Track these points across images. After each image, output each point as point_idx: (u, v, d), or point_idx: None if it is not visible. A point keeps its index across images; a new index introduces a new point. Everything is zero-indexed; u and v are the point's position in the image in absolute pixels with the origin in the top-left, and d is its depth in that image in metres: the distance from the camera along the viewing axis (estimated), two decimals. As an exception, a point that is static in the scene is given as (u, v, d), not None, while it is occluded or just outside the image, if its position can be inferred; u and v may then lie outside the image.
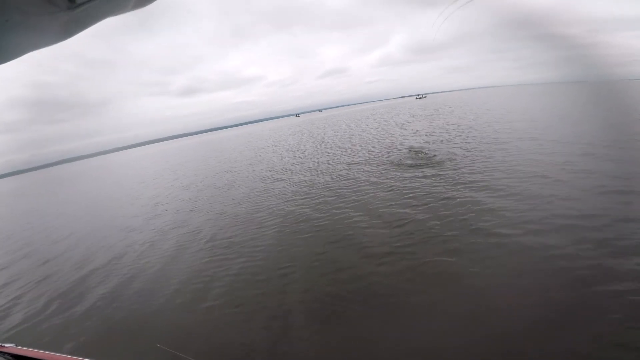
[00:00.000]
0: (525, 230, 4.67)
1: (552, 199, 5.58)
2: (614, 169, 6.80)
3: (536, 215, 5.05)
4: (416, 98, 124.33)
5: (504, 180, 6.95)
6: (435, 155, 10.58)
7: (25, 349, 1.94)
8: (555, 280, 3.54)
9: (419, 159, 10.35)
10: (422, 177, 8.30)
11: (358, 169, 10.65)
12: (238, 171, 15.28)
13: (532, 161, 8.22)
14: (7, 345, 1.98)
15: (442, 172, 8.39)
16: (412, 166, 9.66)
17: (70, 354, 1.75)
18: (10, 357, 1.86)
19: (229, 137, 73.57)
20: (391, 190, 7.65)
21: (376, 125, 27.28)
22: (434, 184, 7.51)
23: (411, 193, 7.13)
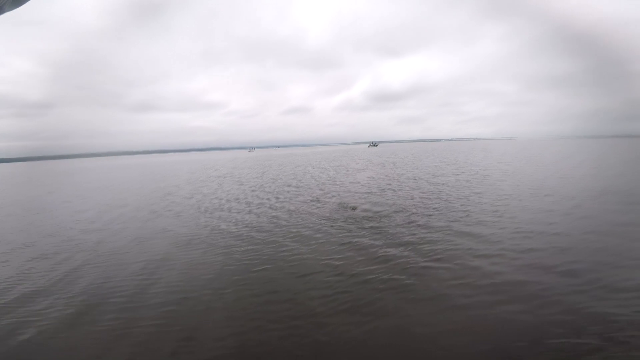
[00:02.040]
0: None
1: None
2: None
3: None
4: (369, 145, 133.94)
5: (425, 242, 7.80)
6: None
7: None
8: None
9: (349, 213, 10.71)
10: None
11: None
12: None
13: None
14: None
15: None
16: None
17: None
18: None
19: (176, 162, 69.84)
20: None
21: (329, 169, 28.65)
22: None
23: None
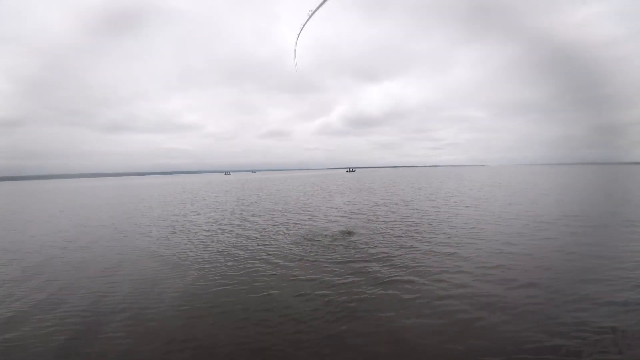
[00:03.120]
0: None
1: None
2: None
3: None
4: (347, 171, 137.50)
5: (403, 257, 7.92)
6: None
7: None
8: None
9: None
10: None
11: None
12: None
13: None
14: None
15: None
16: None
17: None
18: None
19: (149, 185, 66.95)
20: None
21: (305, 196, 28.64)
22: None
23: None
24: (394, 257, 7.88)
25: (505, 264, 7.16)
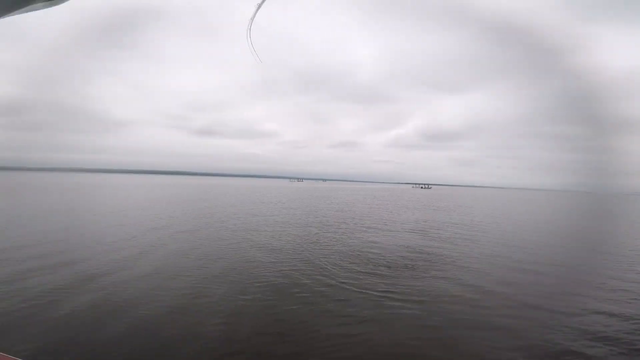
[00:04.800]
0: None
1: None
2: None
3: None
4: (421, 187, 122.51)
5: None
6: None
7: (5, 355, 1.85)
8: None
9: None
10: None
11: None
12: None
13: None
14: None
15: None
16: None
17: None
18: None
19: (233, 186, 74.34)
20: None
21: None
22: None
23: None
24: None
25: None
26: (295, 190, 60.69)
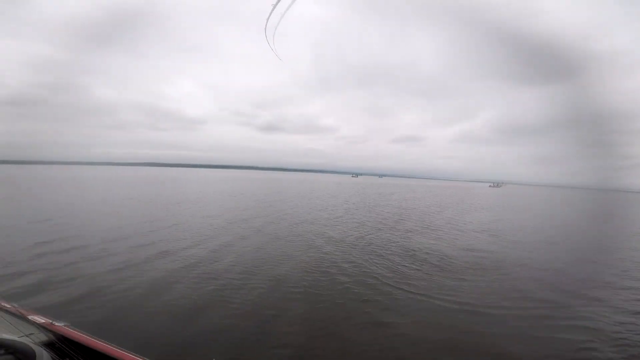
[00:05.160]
0: None
1: None
2: None
3: None
4: (490, 186, 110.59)
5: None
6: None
7: (76, 331, 1.93)
8: None
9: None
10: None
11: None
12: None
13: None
14: (57, 323, 2.00)
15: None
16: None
17: (120, 345, 1.79)
18: (52, 335, 1.87)
19: (295, 180, 78.63)
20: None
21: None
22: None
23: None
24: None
25: None
26: (353, 185, 61.30)
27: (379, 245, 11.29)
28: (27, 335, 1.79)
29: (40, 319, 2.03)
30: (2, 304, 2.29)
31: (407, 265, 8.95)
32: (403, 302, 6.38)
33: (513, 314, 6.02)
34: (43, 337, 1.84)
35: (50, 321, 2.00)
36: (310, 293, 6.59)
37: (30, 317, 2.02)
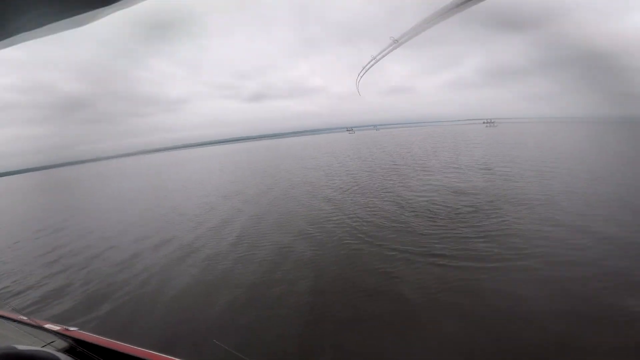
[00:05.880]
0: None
1: None
2: None
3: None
4: (484, 124, 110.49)
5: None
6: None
7: (87, 333, 2.03)
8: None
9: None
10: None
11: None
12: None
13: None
14: (71, 328, 2.08)
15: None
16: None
17: (130, 343, 1.86)
18: (71, 341, 1.92)
19: (290, 144, 77.55)
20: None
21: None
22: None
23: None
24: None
25: None
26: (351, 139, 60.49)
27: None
28: (49, 344, 1.85)
29: (55, 327, 2.10)
30: (19, 316, 2.35)
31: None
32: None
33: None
34: (63, 343, 1.90)
35: (65, 327, 2.08)
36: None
37: (46, 326, 2.08)
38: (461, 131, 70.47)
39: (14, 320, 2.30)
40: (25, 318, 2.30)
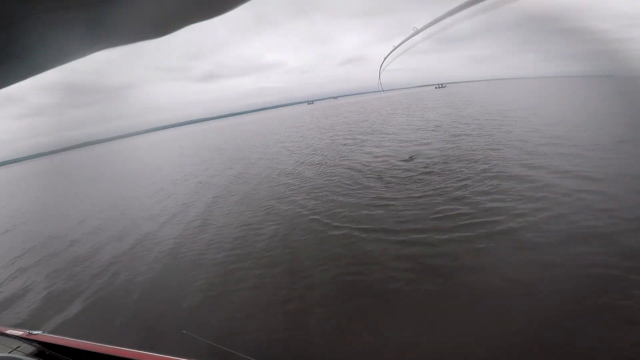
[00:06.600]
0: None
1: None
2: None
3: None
4: (435, 87, 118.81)
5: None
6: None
7: (53, 336, 2.00)
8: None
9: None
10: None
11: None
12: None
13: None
14: (35, 332, 2.03)
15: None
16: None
17: (96, 341, 1.81)
18: (38, 345, 1.89)
19: (247, 122, 74.34)
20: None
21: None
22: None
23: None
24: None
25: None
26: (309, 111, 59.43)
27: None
28: (15, 350, 1.85)
29: (18, 332, 2.03)
30: None
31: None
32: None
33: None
34: (30, 348, 1.87)
35: (28, 332, 1.99)
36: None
37: (8, 332, 2.03)
38: (415, 94, 71.58)
39: None
40: None
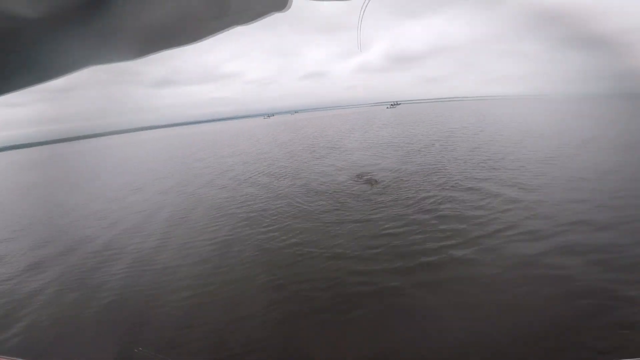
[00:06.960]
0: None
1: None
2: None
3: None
4: (387, 107, 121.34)
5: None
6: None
7: (7, 357, 1.89)
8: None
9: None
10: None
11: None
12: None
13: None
14: None
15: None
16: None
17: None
18: None
19: (199, 133, 70.99)
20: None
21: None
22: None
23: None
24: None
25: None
26: (267, 125, 58.69)
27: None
28: None
29: None
30: None
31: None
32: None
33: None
34: None
35: None
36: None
37: None
38: (367, 113, 75.12)
39: None
40: None
